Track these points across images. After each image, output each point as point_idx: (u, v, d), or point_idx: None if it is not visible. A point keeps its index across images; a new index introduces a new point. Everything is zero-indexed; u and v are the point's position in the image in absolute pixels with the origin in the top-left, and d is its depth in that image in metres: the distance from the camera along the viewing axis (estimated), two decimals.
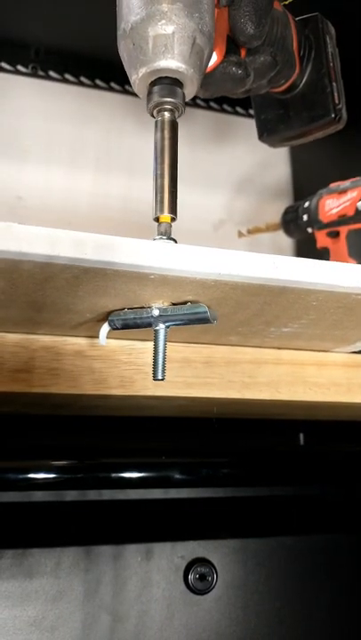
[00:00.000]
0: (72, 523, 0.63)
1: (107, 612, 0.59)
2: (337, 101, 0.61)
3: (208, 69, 0.51)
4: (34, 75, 0.90)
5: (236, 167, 0.99)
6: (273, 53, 0.56)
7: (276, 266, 0.40)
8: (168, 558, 0.61)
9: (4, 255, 0.36)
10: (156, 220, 0.43)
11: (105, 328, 0.48)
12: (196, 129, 0.97)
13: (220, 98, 0.65)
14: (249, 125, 0.69)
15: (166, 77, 0.45)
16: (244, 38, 0.52)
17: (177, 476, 0.63)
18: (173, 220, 0.43)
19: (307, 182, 0.98)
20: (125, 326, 0.46)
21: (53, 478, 0.61)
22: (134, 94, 0.48)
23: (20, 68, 0.90)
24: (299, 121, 0.63)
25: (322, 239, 0.80)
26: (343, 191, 0.77)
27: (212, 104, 0.98)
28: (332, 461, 0.73)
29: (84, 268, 0.37)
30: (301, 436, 0.83)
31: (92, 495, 0.64)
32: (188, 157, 0.95)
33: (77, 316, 0.47)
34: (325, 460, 0.72)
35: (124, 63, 0.47)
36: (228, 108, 0.99)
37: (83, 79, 0.93)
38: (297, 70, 0.61)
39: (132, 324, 0.46)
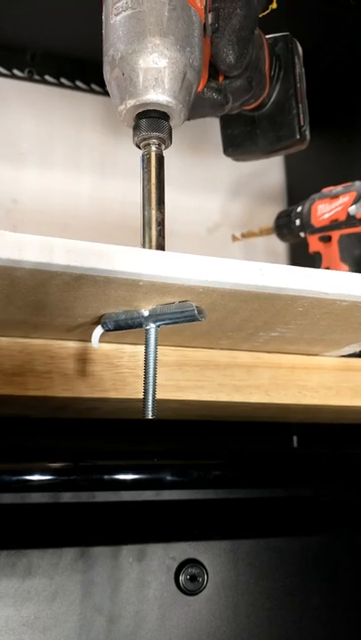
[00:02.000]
0: (65, 524, 0.63)
1: (99, 613, 0.60)
2: (302, 123, 0.62)
3: None
4: (30, 79, 0.91)
5: (230, 171, 1.00)
6: (249, 78, 0.56)
7: (262, 273, 0.41)
8: (159, 559, 0.62)
9: None
10: None
11: (98, 330, 0.48)
12: (190, 133, 0.98)
13: None
14: None
15: (154, 110, 0.45)
16: (224, 67, 0.52)
17: (169, 477, 0.64)
18: None
19: (300, 187, 0.99)
20: (117, 327, 0.47)
21: (47, 480, 0.61)
22: None
23: (15, 72, 0.90)
24: (265, 139, 0.64)
25: (314, 243, 0.81)
26: (335, 196, 0.78)
27: None
28: (323, 463, 0.73)
29: (74, 275, 0.38)
30: (295, 438, 0.84)
31: (85, 497, 0.64)
32: (184, 162, 0.95)
33: (71, 320, 0.48)
34: (316, 462, 0.73)
35: (109, 90, 0.47)
36: None
37: (78, 83, 0.94)
38: (267, 89, 0.61)
39: (123, 324, 0.47)
